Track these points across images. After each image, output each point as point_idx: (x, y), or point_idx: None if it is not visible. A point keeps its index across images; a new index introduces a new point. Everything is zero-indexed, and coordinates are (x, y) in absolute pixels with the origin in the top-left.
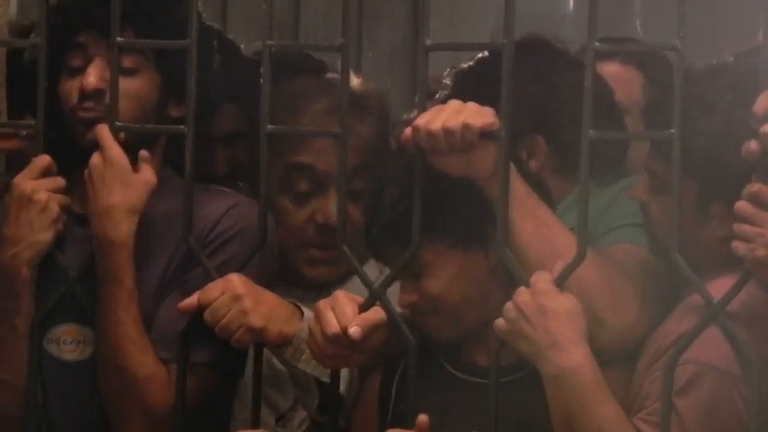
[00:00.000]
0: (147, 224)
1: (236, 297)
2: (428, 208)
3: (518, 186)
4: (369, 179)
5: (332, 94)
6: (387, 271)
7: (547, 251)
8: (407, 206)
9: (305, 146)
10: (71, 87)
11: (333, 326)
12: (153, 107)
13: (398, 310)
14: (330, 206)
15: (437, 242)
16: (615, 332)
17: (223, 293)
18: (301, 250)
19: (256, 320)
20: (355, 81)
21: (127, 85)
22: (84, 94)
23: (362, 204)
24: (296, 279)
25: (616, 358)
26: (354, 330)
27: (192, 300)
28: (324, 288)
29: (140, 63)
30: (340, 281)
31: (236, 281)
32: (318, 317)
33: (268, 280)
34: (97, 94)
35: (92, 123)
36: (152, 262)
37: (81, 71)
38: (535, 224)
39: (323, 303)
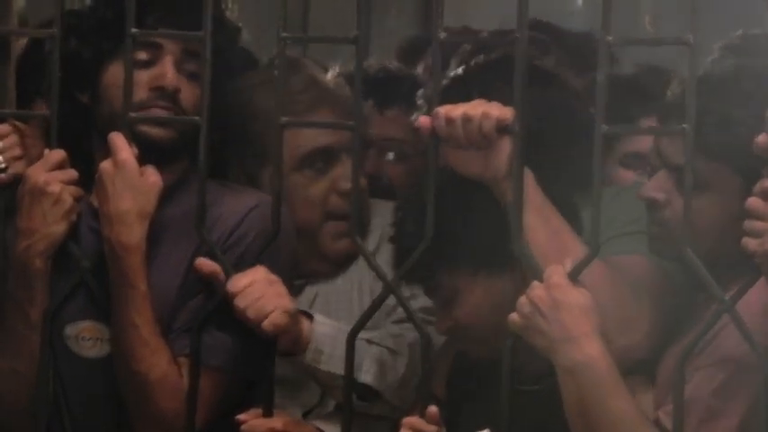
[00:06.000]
0: (167, 223)
1: (272, 281)
2: (446, 238)
3: (534, 194)
4: None
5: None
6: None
7: (560, 261)
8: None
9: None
10: (138, 80)
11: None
12: None
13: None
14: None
15: (460, 271)
16: (620, 350)
17: (253, 281)
18: (325, 224)
19: (292, 306)
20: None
21: None
22: (163, 92)
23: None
24: (320, 256)
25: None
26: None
27: (213, 265)
28: (346, 264)
29: None
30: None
31: (264, 271)
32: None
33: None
34: (173, 92)
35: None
36: (174, 261)
37: (148, 65)
38: (549, 233)
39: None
